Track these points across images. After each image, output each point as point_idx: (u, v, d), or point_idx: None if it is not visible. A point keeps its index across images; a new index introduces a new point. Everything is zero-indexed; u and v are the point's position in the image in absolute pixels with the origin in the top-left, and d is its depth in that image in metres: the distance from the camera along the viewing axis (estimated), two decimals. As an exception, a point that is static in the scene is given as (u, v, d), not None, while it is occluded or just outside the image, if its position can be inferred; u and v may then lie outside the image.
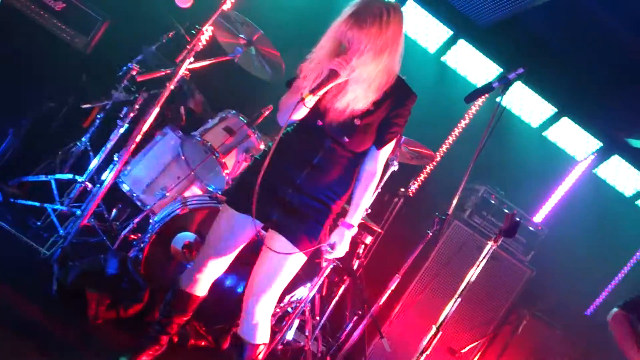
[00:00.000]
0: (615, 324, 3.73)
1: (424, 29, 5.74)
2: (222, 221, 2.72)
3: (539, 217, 6.08)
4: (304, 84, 2.53)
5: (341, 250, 2.63)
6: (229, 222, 2.69)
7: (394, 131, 2.65)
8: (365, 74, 2.46)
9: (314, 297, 4.36)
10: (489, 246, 2.78)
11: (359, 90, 2.49)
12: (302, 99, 2.45)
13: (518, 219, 2.79)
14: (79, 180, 4.14)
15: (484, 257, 2.74)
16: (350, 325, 4.59)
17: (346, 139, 2.57)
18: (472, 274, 2.73)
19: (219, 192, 4.16)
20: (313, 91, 2.44)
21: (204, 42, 3.42)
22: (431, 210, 5.90)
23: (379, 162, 2.69)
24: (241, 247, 2.75)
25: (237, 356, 2.67)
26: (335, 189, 2.66)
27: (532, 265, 5.18)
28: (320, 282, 4.09)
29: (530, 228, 5.32)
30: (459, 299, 2.75)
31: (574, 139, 6.11)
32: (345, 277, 4.51)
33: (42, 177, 4.23)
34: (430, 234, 4.17)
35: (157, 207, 4.19)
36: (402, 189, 5.38)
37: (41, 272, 3.20)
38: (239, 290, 3.75)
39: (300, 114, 2.55)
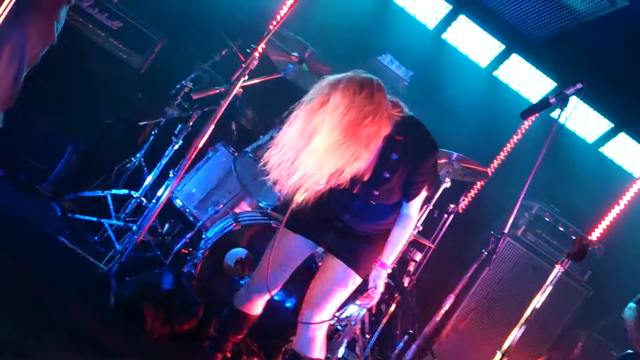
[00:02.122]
0: (635, 318, 3.81)
1: (476, 43, 5.68)
2: (279, 242, 2.74)
3: (595, 235, 5.89)
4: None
5: (377, 293, 2.66)
6: (285, 243, 2.74)
7: (418, 187, 2.61)
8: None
9: (364, 315, 4.32)
10: (556, 270, 2.69)
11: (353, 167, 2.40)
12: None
13: (587, 244, 2.70)
14: (135, 195, 4.22)
15: (551, 283, 2.65)
16: (402, 344, 4.52)
17: (372, 202, 2.62)
18: (538, 300, 2.64)
19: (270, 208, 4.17)
20: None
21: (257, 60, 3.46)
22: (481, 227, 5.85)
23: (414, 208, 2.68)
24: (296, 267, 2.77)
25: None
26: (380, 223, 2.71)
27: (589, 285, 5.02)
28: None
29: (589, 248, 5.15)
30: (524, 326, 2.66)
31: (632, 155, 5.93)
32: (395, 295, 4.46)
33: (99, 193, 4.33)
34: (485, 252, 4.08)
35: (209, 223, 4.23)
36: (452, 205, 5.29)
37: (99, 287, 3.26)
38: (288, 305, 3.74)
39: None
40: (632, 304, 4.00)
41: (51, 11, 2.95)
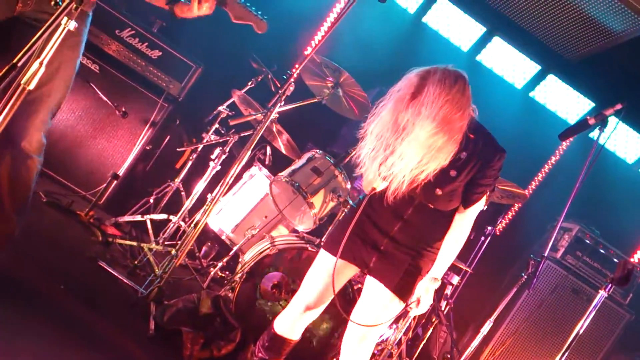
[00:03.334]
0: None
1: (511, 64, 5.66)
2: (319, 267, 2.73)
3: (637, 257, 5.75)
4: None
5: (425, 304, 2.57)
6: (325, 268, 2.70)
7: (480, 191, 2.57)
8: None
9: (400, 338, 4.28)
10: (600, 296, 2.64)
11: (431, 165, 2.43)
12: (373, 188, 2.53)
13: (632, 268, 2.65)
14: (173, 219, 4.29)
15: (594, 308, 2.60)
16: (439, 368, 4.47)
17: (430, 206, 2.57)
18: (582, 326, 2.59)
19: (306, 232, 4.20)
20: None
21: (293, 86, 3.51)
22: (518, 249, 5.76)
23: (469, 218, 2.62)
24: (336, 291, 2.74)
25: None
26: (429, 240, 2.63)
27: (632, 309, 4.89)
28: (407, 324, 4.04)
29: (633, 272, 5.03)
30: (567, 353, 2.61)
31: (674, 175, 5.80)
32: (433, 319, 4.42)
33: (138, 217, 4.42)
34: (525, 276, 4.02)
35: (246, 246, 4.28)
36: (489, 228, 5.24)
37: (139, 311, 3.30)
38: (320, 332, 3.72)
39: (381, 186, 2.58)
40: None
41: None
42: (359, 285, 3.49)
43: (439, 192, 2.51)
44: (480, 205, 2.62)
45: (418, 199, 2.57)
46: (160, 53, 4.64)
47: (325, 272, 2.70)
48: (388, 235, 2.61)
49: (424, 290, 2.55)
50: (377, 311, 2.59)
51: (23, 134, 2.55)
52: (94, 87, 4.46)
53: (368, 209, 2.64)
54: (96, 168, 4.61)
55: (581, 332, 2.68)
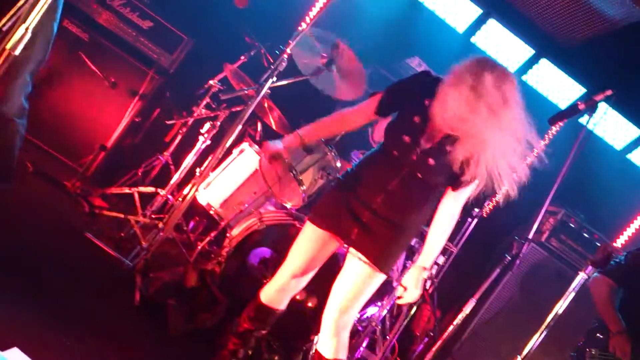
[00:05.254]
0: (597, 288, 3.82)
1: (505, 47, 5.65)
2: (304, 238, 2.76)
3: (619, 242, 5.81)
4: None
5: (413, 293, 2.61)
6: (311, 239, 2.73)
7: (472, 176, 2.56)
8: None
9: (384, 316, 4.33)
10: (580, 277, 2.68)
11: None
12: None
13: (611, 251, 2.68)
14: (161, 193, 4.28)
15: (574, 289, 2.64)
16: (421, 346, 4.52)
17: (419, 175, 2.58)
18: (560, 306, 2.63)
19: (295, 209, 4.20)
20: None
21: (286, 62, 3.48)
22: (505, 232, 5.80)
23: (459, 203, 2.64)
24: (322, 263, 2.78)
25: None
26: (411, 215, 2.65)
27: (613, 293, 4.95)
28: (391, 302, 4.08)
29: (613, 255, 5.09)
30: (545, 331, 2.65)
31: (661, 163, 5.85)
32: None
33: (126, 190, 4.40)
34: (509, 257, 4.06)
35: (234, 222, 4.28)
36: (477, 210, 5.27)
37: (124, 283, 3.31)
38: (310, 304, 3.76)
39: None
40: (596, 274, 3.93)
41: None
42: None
43: (431, 162, 2.53)
44: (468, 192, 2.63)
45: (408, 167, 2.57)
46: (152, 24, 4.58)
47: (310, 243, 2.73)
48: (370, 207, 2.62)
49: (414, 281, 2.59)
50: (357, 284, 2.63)
51: (2, 98, 2.53)
52: (83, 56, 4.41)
53: (353, 181, 2.68)
54: (84, 139, 4.57)
55: (560, 312, 2.71)
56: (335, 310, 2.65)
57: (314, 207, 2.78)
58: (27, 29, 1.82)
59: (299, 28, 3.54)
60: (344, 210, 2.66)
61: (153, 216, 4.17)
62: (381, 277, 2.66)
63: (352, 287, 2.64)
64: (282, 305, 2.88)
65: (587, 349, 3.79)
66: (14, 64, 2.47)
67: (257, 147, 4.49)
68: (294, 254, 2.77)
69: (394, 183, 2.59)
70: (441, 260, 4.60)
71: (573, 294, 2.70)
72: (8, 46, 1.80)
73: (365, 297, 2.67)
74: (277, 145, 2.83)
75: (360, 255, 2.64)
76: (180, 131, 4.59)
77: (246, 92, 3.70)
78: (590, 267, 2.74)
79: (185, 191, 4.01)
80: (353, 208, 2.65)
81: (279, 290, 2.81)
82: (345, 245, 2.74)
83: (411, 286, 2.59)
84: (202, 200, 4.52)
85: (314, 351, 2.78)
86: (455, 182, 2.59)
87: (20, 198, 3.56)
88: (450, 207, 2.64)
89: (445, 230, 2.65)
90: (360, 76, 4.13)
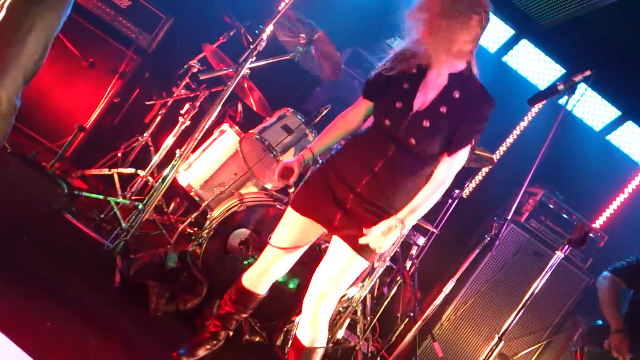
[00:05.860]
0: (604, 287, 3.91)
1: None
2: (286, 224, 2.73)
3: (598, 223, 5.91)
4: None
5: (379, 240, 2.42)
6: (293, 225, 2.70)
7: (467, 135, 2.50)
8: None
9: (365, 297, 4.36)
10: (556, 256, 2.71)
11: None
12: None
13: (588, 230, 2.71)
14: (141, 174, 4.25)
15: (550, 268, 2.67)
16: (402, 327, 4.57)
17: (412, 141, 2.49)
18: (537, 285, 2.66)
19: (275, 190, 4.20)
20: None
21: (265, 42, 3.45)
22: (485, 213, 5.86)
23: (451, 170, 2.52)
24: (304, 249, 2.76)
25: (295, 358, 2.66)
26: (397, 200, 2.55)
27: (591, 273, 5.04)
28: (372, 283, 4.10)
29: (590, 234, 5.17)
30: (522, 310, 2.69)
31: (638, 144, 5.92)
32: (397, 278, 4.50)
33: (105, 171, 4.36)
34: (488, 238, 4.10)
35: (214, 203, 4.27)
36: (457, 191, 5.30)
37: (104, 264, 3.29)
38: (291, 287, 3.78)
39: None
40: (605, 273, 4.00)
41: None
42: (327, 245, 3.52)
43: (425, 123, 2.47)
44: (464, 155, 2.53)
45: (401, 135, 2.50)
46: (130, 2, 4.51)
47: (292, 229, 2.70)
48: (354, 190, 2.55)
49: (385, 229, 2.42)
50: (339, 271, 2.58)
51: None
52: (60, 35, 4.33)
53: (337, 162, 2.61)
54: (62, 119, 4.51)
55: (537, 291, 2.75)
56: (315, 295, 2.61)
57: (296, 192, 2.75)
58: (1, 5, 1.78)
59: (279, 8, 3.50)
60: (326, 195, 2.59)
61: (133, 197, 4.15)
62: (364, 263, 2.59)
63: (333, 272, 2.59)
64: (263, 289, 2.86)
65: (585, 348, 3.87)
66: (1, 60, 2.42)
67: (237, 127, 4.47)
68: (275, 239, 2.74)
69: (381, 164, 2.52)
70: (422, 241, 4.63)
71: (549, 273, 2.72)
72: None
73: (347, 283, 2.61)
74: (290, 162, 2.80)
75: (342, 241, 2.59)
76: (160, 112, 4.55)
77: (226, 72, 3.67)
78: (567, 246, 2.76)
79: (165, 172, 3.99)
80: (336, 192, 2.59)
81: (261, 274, 2.79)
82: (329, 231, 2.71)
83: (377, 230, 2.43)
84: (183, 181, 4.50)
85: (293, 335, 2.74)
86: (451, 145, 2.51)
87: (-3, 180, 3.52)
88: (441, 172, 2.52)
89: (432, 192, 2.48)
90: (337, 57, 4.13)
